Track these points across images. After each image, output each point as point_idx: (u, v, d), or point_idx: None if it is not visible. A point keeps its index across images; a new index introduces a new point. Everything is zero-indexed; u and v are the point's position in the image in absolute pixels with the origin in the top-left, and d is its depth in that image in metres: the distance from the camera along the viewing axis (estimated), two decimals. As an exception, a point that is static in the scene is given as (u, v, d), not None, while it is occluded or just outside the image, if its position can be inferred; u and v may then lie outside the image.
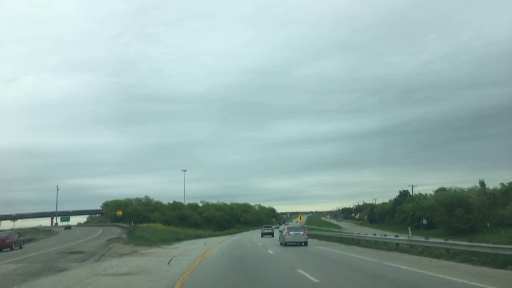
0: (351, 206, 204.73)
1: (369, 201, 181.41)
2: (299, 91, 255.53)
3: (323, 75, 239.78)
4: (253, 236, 67.37)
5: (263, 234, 59.81)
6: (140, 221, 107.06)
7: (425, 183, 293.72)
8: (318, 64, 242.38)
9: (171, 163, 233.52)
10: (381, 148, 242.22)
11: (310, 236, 43.85)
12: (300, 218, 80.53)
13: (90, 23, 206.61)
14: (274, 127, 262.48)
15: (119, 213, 76.73)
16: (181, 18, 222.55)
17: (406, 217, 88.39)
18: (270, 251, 25.29)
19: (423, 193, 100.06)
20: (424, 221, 73.40)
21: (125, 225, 73.46)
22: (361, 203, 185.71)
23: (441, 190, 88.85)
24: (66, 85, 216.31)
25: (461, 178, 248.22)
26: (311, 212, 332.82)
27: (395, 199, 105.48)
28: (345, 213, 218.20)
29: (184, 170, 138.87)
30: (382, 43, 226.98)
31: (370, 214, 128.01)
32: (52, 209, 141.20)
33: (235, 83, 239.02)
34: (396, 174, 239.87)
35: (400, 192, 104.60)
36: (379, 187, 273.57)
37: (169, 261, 18.48)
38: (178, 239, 44.96)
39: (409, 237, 30.56)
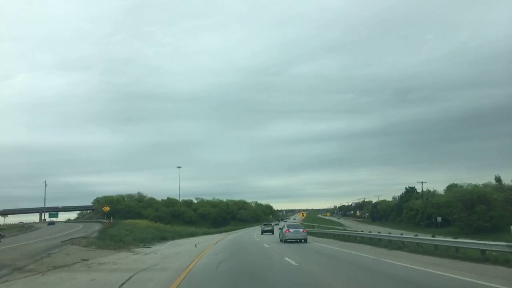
0: (350, 204, 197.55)
1: (365, 199, 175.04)
2: (294, 91, 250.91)
3: (318, 75, 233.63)
4: (252, 234, 60.85)
5: (263, 232, 58.04)
6: (132, 217, 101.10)
7: (419, 181, 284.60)
8: (314, 63, 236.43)
9: (167, 162, 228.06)
10: (376, 147, 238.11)
11: (319, 235, 41.70)
12: (303, 215, 73.30)
13: (83, 21, 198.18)
14: (270, 126, 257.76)
15: (106, 208, 69.27)
16: (175, 17, 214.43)
17: (414, 215, 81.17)
18: (290, 260, 16.77)
19: (431, 190, 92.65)
20: (439, 219, 66.18)
21: (106, 220, 67.93)
22: (361, 201, 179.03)
23: (453, 186, 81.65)
24: (59, 84, 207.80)
25: (454, 178, 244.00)
26: (307, 210, 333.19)
27: (400, 196, 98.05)
28: (343, 211, 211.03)
29: (179, 167, 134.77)
30: (378, 43, 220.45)
31: (372, 212, 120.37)
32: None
33: (230, 82, 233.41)
34: (391, 173, 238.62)
35: (406, 188, 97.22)
36: (373, 185, 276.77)
37: (121, 285, 10.80)
38: (163, 239, 36.82)
39: (432, 236, 24.84)
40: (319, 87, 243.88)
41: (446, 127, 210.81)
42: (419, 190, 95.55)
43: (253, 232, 71.03)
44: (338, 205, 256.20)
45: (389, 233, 31.97)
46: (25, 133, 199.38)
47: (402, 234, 28.92)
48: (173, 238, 40.02)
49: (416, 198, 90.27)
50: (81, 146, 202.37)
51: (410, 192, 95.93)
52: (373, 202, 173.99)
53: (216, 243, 31.10)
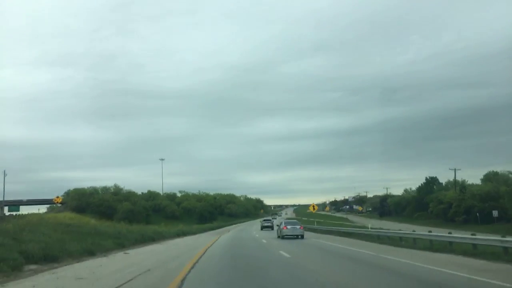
0: (346, 198, 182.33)
1: (367, 193, 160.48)
2: (283, 89, 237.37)
3: (306, 73, 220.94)
4: (251, 232, 45.85)
5: (262, 227, 55.07)
6: (103, 212, 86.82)
7: (403, 178, 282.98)
8: (302, 62, 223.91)
9: (153, 158, 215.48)
10: (363, 145, 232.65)
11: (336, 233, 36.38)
12: (314, 208, 57.70)
13: (68, 16, 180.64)
14: (257, 124, 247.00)
15: (58, 200, 52.21)
16: (162, 13, 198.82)
17: (445, 208, 65.41)
18: None
19: (458, 180, 76.64)
20: (495, 213, 50.39)
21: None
22: (356, 195, 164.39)
23: (493, 175, 66.40)
24: (44, 80, 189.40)
25: (439, 175, 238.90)
26: (295, 205, 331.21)
27: (420, 187, 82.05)
28: (336, 206, 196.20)
29: (162, 159, 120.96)
30: (366, 42, 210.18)
31: (383, 206, 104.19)
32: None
33: (217, 80, 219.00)
34: (377, 170, 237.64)
35: (426, 178, 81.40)
36: (360, 182, 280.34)
37: None
38: (90, 252, 17.42)
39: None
40: (307, 86, 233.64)
41: (431, 126, 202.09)
42: (441, 181, 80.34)
43: (251, 229, 56.04)
44: (328, 200, 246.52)
45: (450, 233, 21.07)
46: (6, 128, 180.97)
47: (474, 235, 18.70)
48: (97, 252, 18.08)
49: (440, 189, 74.69)
50: (65, 142, 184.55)
51: (430, 182, 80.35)
52: (367, 196, 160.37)
53: (190, 270, 12.70)
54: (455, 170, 65.99)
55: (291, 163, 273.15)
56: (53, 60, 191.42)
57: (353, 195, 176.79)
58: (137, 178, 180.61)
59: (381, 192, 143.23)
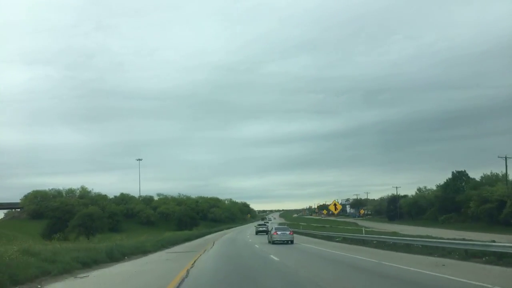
0: (340, 201, 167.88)
1: (368, 194, 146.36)
2: (266, 90, 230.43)
3: (290, 74, 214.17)
4: (252, 245, 31.94)
5: (257, 232, 53.96)
6: (60, 216, 71.44)
7: (390, 183, 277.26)
8: (286, 62, 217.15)
9: (132, 163, 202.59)
10: (348, 148, 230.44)
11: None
12: (336, 209, 42.23)
13: (45, 12, 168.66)
14: (241, 126, 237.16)
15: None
16: (143, 8, 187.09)
17: (492, 208, 50.35)
18: None
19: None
20: None
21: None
22: (351, 199, 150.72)
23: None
24: (21, 79, 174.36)
25: (423, 179, 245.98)
26: (279, 210, 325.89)
27: (446, 184, 66.66)
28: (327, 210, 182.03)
29: (140, 159, 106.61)
30: (350, 43, 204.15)
31: (394, 208, 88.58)
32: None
33: (201, 80, 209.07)
34: (363, 173, 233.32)
35: (453, 173, 66.34)
36: (345, 186, 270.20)
37: None
38: None
39: None
40: (290, 87, 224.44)
41: (416, 128, 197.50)
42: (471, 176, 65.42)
43: (248, 240, 39.94)
44: (315, 204, 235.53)
45: None
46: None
47: None
48: None
49: (475, 186, 59.73)
50: (44, 145, 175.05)
51: (458, 178, 65.31)
52: (362, 198, 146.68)
53: None
54: (505, 158, 50.60)
55: (275, 167, 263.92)
56: (31, 57, 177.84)
57: (345, 198, 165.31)
58: (118, 184, 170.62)
59: (377, 195, 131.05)
